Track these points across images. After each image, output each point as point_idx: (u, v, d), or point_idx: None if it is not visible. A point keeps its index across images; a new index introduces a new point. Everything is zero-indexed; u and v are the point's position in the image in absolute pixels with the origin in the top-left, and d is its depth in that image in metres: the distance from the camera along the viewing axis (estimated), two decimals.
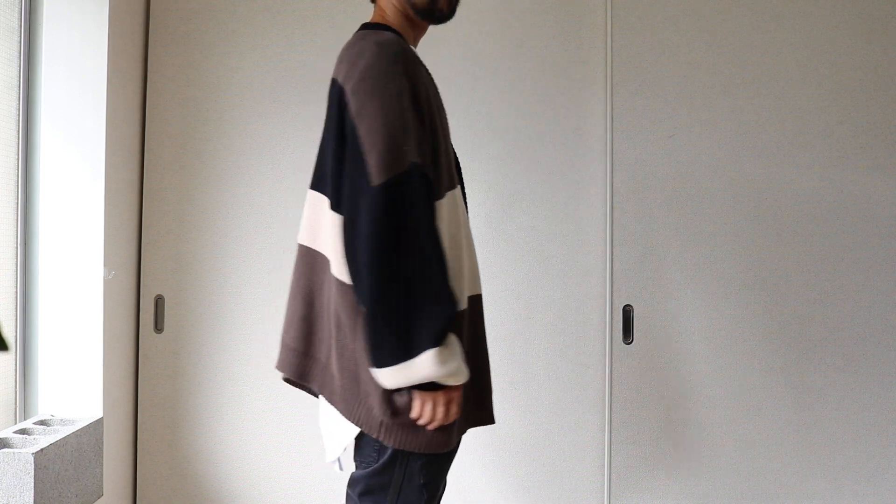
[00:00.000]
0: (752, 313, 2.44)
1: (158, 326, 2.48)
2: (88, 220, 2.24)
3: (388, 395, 1.50)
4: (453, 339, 1.45)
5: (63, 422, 2.12)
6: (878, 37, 2.45)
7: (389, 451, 1.54)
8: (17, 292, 2.20)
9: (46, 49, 2.22)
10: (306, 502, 2.47)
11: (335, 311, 1.54)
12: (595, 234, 2.46)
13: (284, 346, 1.67)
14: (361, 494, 1.59)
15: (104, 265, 2.25)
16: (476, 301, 1.64)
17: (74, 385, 2.23)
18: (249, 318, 2.48)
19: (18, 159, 2.20)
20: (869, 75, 2.45)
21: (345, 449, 1.61)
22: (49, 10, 2.22)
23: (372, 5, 1.72)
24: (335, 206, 1.54)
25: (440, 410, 1.48)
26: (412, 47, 1.66)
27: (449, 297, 1.44)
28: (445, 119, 1.68)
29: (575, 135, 2.46)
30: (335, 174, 1.53)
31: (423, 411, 1.49)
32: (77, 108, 2.23)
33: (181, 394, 2.48)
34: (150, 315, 2.48)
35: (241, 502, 2.48)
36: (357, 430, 1.56)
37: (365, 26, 1.66)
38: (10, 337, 2.17)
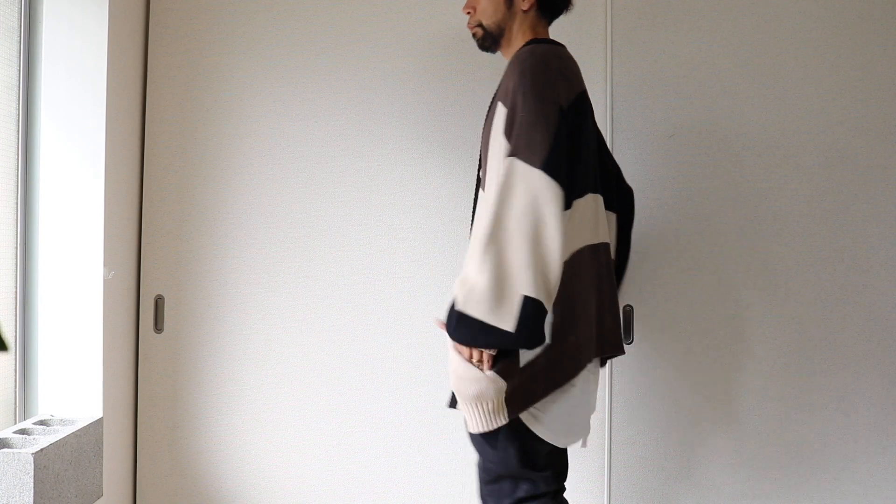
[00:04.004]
0: (752, 313, 2.44)
1: (158, 326, 2.48)
2: (88, 220, 2.24)
3: None
4: None
5: (63, 422, 2.12)
6: (878, 37, 2.45)
7: None
8: (17, 292, 2.20)
9: (46, 49, 2.22)
10: (306, 502, 2.47)
11: (611, 286, 1.90)
12: None
13: (611, 328, 1.87)
14: None
15: (104, 265, 2.25)
16: None
17: (74, 385, 2.23)
18: (249, 318, 2.48)
19: (18, 159, 2.20)
20: (869, 75, 2.44)
21: None
22: (49, 10, 2.22)
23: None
24: (608, 206, 1.96)
25: None
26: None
27: None
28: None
29: None
30: (604, 178, 1.94)
31: None
32: (77, 107, 2.23)
33: (181, 394, 2.48)
34: (150, 315, 2.48)
35: (241, 502, 2.48)
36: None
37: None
38: (10, 337, 2.17)
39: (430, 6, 2.48)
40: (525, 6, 1.88)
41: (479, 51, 1.95)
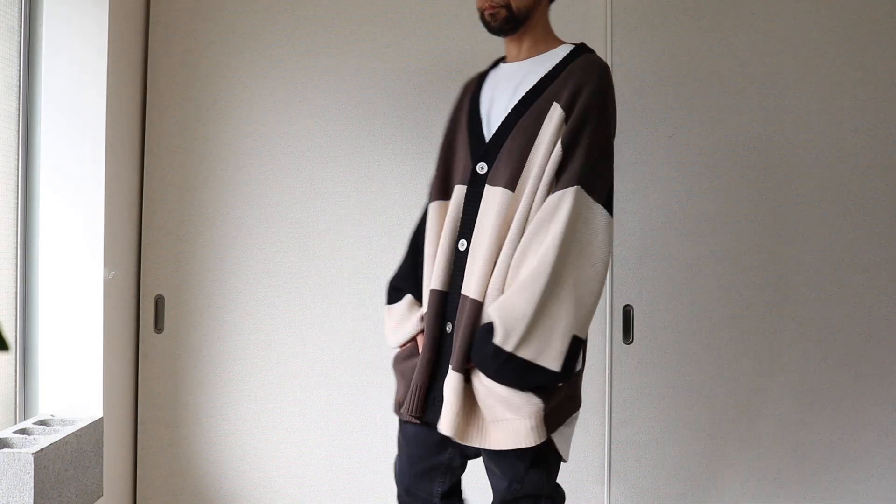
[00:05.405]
0: (753, 313, 2.44)
1: (158, 326, 2.48)
2: (88, 220, 2.24)
3: None
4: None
5: (63, 422, 2.12)
6: (878, 37, 2.45)
7: None
8: (17, 292, 2.20)
9: (46, 49, 2.22)
10: (306, 502, 2.47)
11: None
12: None
13: None
14: None
15: (104, 265, 2.25)
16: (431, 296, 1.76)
17: (74, 385, 2.23)
18: (249, 318, 2.48)
19: (18, 159, 2.20)
20: (869, 75, 2.45)
21: None
22: (49, 10, 2.22)
23: None
24: None
25: None
26: (492, 69, 1.94)
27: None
28: (464, 128, 1.85)
29: None
30: None
31: None
32: (77, 108, 2.23)
33: (181, 394, 2.48)
34: (150, 315, 2.48)
35: (241, 502, 2.48)
36: None
37: None
38: (10, 337, 2.17)
39: (430, 6, 2.48)
40: None
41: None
